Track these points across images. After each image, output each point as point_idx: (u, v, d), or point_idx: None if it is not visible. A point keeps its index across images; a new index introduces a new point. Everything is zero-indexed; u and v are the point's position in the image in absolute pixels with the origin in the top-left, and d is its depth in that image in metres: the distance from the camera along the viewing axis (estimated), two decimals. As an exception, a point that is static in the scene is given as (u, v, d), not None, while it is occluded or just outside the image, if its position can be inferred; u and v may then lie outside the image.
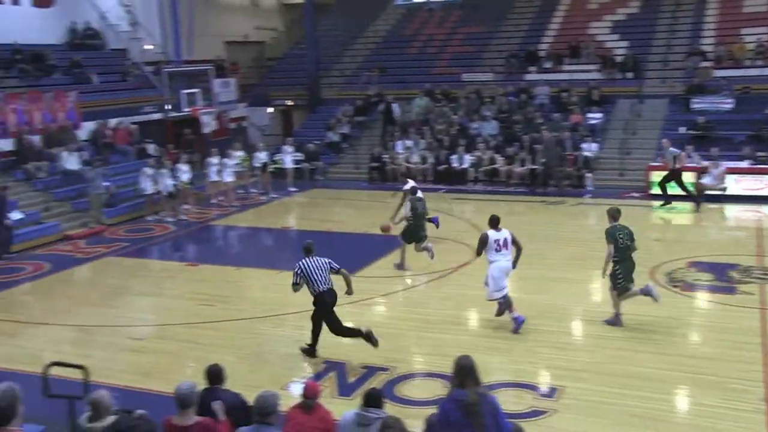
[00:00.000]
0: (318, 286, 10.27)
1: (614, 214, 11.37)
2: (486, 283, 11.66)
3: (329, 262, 10.48)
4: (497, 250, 11.46)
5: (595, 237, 17.93)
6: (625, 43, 28.51)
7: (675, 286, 13.41)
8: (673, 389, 9.60)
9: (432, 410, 7.65)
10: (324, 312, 10.45)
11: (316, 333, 10.65)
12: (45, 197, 19.77)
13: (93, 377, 7.99)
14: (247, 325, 12.18)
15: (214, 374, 7.16)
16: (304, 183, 25.56)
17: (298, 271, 10.37)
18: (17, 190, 19.86)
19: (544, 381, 9.87)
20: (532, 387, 9.61)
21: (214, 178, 22.56)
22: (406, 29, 34.45)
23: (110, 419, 5.98)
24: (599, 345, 10.94)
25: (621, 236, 11.13)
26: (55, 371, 7.93)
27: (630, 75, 26.92)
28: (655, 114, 25.18)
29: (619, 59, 27.60)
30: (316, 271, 10.31)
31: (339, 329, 10.48)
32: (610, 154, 23.71)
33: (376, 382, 9.69)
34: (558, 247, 16.57)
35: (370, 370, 10.20)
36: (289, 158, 25.16)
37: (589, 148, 23.28)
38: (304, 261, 10.43)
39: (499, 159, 23.92)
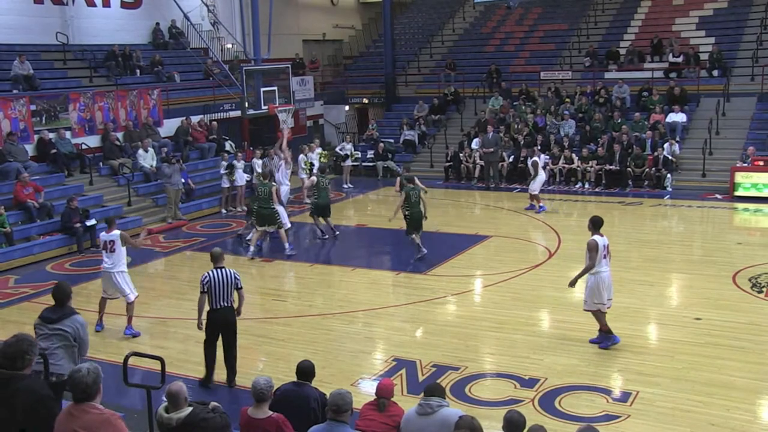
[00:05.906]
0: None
1: (410, 179, 16.04)
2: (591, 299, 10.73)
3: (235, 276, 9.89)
4: (604, 257, 10.52)
5: (673, 239, 17.56)
6: (711, 40, 27.63)
7: (759, 292, 12.94)
8: (757, 399, 9.27)
9: (502, 410, 7.57)
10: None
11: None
12: (128, 192, 20.35)
13: (169, 368, 8.18)
14: (318, 322, 12.29)
15: (305, 371, 7.22)
16: (376, 181, 25.72)
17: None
18: (102, 185, 20.56)
19: (618, 385, 9.66)
20: (604, 390, 9.41)
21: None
22: (483, 27, 34.23)
23: (186, 410, 6.12)
24: (676, 350, 10.62)
25: (413, 192, 15.35)
26: (134, 361, 8.12)
27: (716, 72, 26.09)
28: (742, 113, 24.33)
29: (704, 56, 26.77)
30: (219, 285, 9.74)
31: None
32: (692, 155, 23.03)
33: (446, 381, 9.66)
34: (635, 248, 16.18)
35: (441, 369, 10.16)
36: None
37: (670, 148, 22.63)
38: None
39: (576, 158, 23.50)
